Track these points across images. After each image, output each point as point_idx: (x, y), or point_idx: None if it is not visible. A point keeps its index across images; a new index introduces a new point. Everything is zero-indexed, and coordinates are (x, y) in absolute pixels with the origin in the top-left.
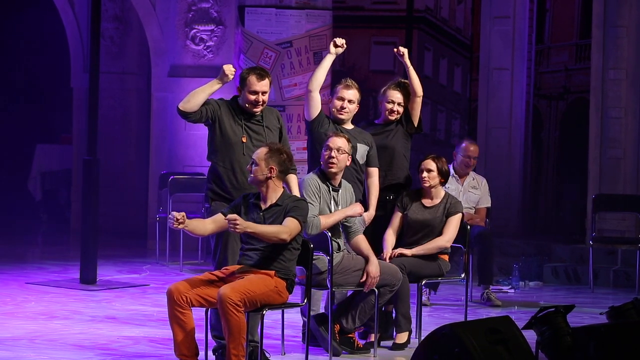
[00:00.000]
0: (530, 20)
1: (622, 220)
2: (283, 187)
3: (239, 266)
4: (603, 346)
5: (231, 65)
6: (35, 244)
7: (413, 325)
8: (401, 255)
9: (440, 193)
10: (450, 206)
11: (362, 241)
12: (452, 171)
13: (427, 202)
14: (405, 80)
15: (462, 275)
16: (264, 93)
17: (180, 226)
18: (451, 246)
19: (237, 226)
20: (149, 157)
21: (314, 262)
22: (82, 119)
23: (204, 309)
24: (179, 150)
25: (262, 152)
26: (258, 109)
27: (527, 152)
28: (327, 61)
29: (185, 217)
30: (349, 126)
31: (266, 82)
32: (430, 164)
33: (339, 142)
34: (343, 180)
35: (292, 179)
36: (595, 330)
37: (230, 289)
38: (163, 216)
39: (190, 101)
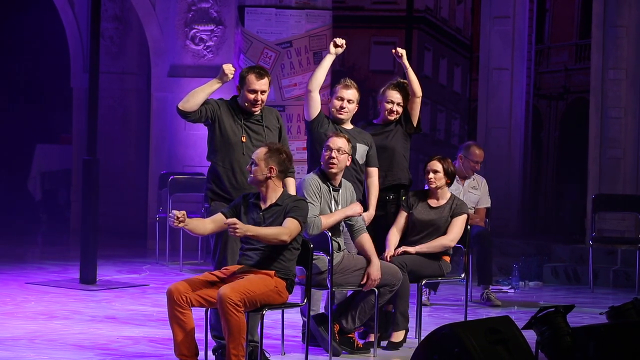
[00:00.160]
0: (530, 20)
1: (622, 220)
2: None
3: (238, 266)
4: (603, 346)
5: (231, 65)
6: (35, 244)
7: (412, 325)
8: (405, 253)
9: (446, 194)
10: (456, 207)
11: (366, 241)
12: None
13: (433, 202)
14: (405, 81)
15: (462, 275)
16: (263, 92)
17: (181, 225)
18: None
19: (237, 230)
20: (148, 157)
21: (314, 262)
22: (82, 119)
23: (204, 309)
24: (179, 150)
25: (261, 152)
26: (257, 108)
27: (527, 152)
28: (327, 61)
29: (185, 215)
30: (349, 126)
31: (265, 81)
32: (437, 165)
33: (339, 142)
34: (343, 180)
35: (290, 182)
36: (595, 330)
37: (230, 289)
38: (163, 216)
39: (190, 101)
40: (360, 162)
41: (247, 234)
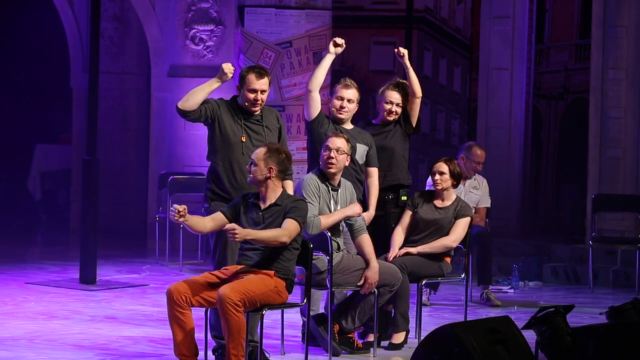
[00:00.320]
0: (529, 20)
1: (622, 220)
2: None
3: (238, 266)
4: (603, 346)
5: (230, 64)
6: (34, 243)
7: (412, 326)
8: (407, 254)
9: (451, 195)
10: (460, 209)
11: (366, 242)
12: None
13: (438, 203)
14: (404, 81)
15: (462, 276)
16: (263, 92)
17: (181, 219)
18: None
19: (236, 236)
20: (148, 157)
21: (313, 262)
22: (82, 118)
23: (204, 309)
24: (179, 150)
25: (260, 152)
26: (257, 108)
27: (526, 152)
28: (327, 61)
29: (186, 210)
30: (349, 126)
31: (265, 80)
32: (443, 167)
33: (338, 142)
34: (342, 179)
35: (289, 185)
36: (594, 330)
37: (229, 289)
38: (163, 216)
39: (190, 100)
40: (360, 162)
41: (246, 238)
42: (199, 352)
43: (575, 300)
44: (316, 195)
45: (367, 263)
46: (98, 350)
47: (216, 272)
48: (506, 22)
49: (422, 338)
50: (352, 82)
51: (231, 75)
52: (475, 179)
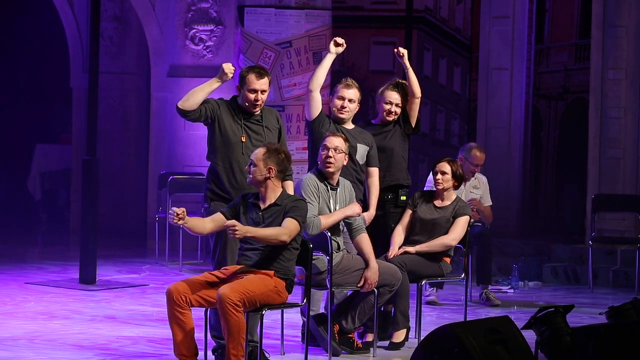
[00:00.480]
0: (529, 20)
1: (622, 220)
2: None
3: (238, 266)
4: (602, 346)
5: (230, 64)
6: (34, 243)
7: (412, 325)
8: (405, 253)
9: (451, 196)
10: (459, 208)
11: (365, 242)
12: None
13: (438, 202)
14: (403, 81)
15: (462, 276)
16: (263, 92)
17: (180, 222)
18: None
19: (236, 232)
20: (148, 157)
21: (313, 262)
22: (82, 118)
23: (204, 309)
24: (179, 150)
25: (260, 152)
26: (257, 108)
27: (526, 152)
28: (328, 61)
29: (185, 212)
30: (350, 126)
31: (265, 80)
32: (445, 167)
33: (336, 141)
34: (341, 178)
35: (289, 185)
36: (594, 330)
37: (229, 289)
38: (162, 216)
39: (190, 99)
40: (361, 162)
41: (246, 235)
42: (199, 352)
43: (575, 300)
44: (315, 195)
45: (366, 263)
46: (98, 350)
47: (216, 272)
48: (506, 22)
49: (422, 338)
50: (354, 82)
51: (231, 75)
52: (475, 178)
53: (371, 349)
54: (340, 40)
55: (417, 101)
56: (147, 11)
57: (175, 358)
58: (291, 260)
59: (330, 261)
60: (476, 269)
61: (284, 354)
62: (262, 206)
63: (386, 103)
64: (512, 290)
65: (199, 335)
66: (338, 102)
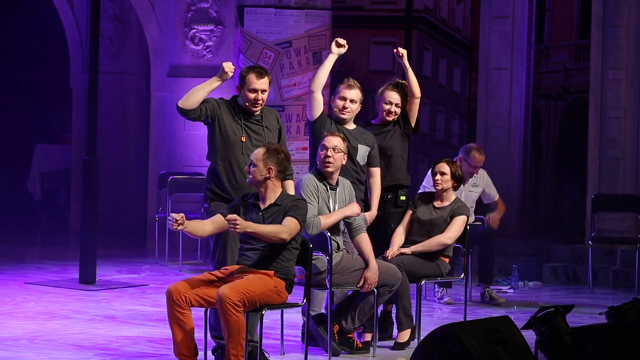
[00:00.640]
0: (529, 20)
1: (622, 220)
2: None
3: (238, 266)
4: (602, 346)
5: (231, 63)
6: (34, 243)
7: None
8: (401, 254)
9: (450, 196)
10: (457, 208)
11: (364, 242)
12: None
13: (437, 203)
14: (403, 81)
15: (462, 275)
16: (263, 91)
17: (180, 227)
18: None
19: (237, 226)
20: (148, 157)
21: (313, 262)
22: (82, 119)
23: (203, 309)
24: (178, 150)
25: (259, 152)
26: (258, 108)
27: (526, 152)
28: (329, 61)
29: (184, 218)
30: (351, 126)
31: (265, 80)
32: (444, 167)
33: (334, 141)
34: (341, 178)
35: (290, 184)
36: (594, 330)
37: (229, 289)
38: (162, 216)
39: (190, 99)
40: (362, 163)
41: (247, 231)
42: (199, 352)
43: (575, 300)
44: (315, 195)
45: (366, 263)
46: (98, 350)
47: (216, 272)
48: (506, 22)
49: (422, 338)
50: (356, 82)
51: (231, 74)
52: (475, 177)
53: (371, 349)
54: (342, 41)
55: (417, 101)
56: (147, 11)
57: (175, 358)
58: (291, 260)
59: (330, 261)
60: (478, 268)
61: (283, 354)
62: (262, 206)
63: (386, 103)
64: (512, 290)
65: (198, 335)
66: (340, 103)
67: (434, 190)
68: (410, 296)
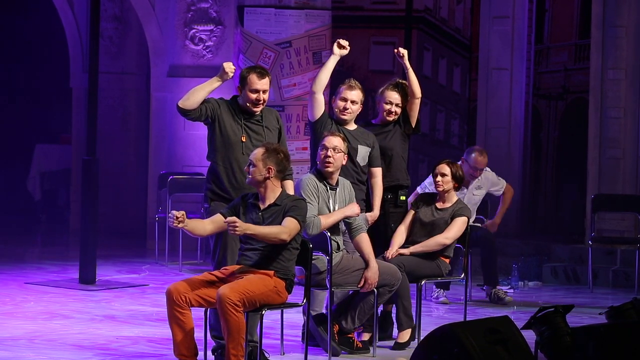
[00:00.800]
0: (529, 20)
1: (622, 220)
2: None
3: (238, 266)
4: (602, 346)
5: (231, 63)
6: (34, 243)
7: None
8: (400, 255)
9: (452, 198)
10: (458, 209)
11: (364, 242)
12: None
13: (439, 204)
14: (404, 81)
15: (462, 275)
16: (264, 92)
17: (180, 225)
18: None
19: (237, 229)
20: (148, 157)
21: (313, 262)
22: (82, 119)
23: (203, 309)
24: (178, 150)
25: (259, 152)
26: (259, 108)
27: (526, 152)
28: (331, 62)
29: (185, 215)
30: (352, 127)
31: (266, 80)
32: (445, 169)
33: (334, 141)
34: (341, 178)
35: (289, 184)
36: (594, 330)
37: (229, 289)
38: (162, 216)
39: (190, 99)
40: (362, 163)
41: (246, 233)
42: (199, 352)
43: (575, 300)
44: (315, 195)
45: (366, 263)
46: (97, 350)
47: (216, 272)
48: (506, 22)
49: (422, 338)
50: (357, 83)
51: (232, 74)
52: (478, 179)
53: (371, 349)
54: (343, 42)
55: (418, 101)
56: (147, 11)
57: (175, 358)
58: (291, 260)
59: (330, 261)
60: (482, 271)
61: (283, 354)
62: (262, 206)
63: (386, 103)
64: (512, 290)
65: (198, 335)
66: (340, 104)
67: (436, 192)
68: (410, 296)
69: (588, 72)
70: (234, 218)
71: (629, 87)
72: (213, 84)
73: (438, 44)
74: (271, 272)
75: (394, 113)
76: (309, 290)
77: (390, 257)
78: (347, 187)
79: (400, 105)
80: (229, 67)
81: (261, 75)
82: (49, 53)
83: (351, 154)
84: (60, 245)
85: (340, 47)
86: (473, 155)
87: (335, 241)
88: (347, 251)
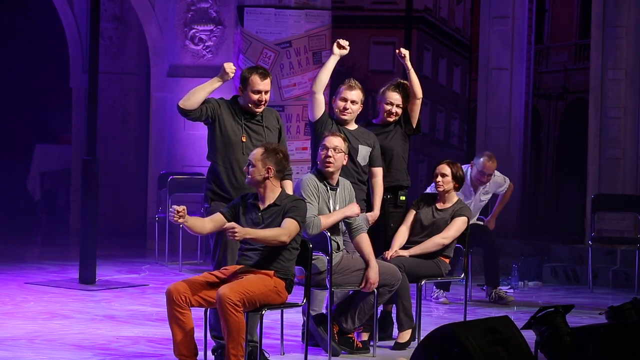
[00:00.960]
0: (529, 20)
1: (621, 220)
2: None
3: (238, 266)
4: (602, 346)
5: (232, 63)
6: (34, 243)
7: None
8: (399, 257)
9: (453, 198)
10: (458, 210)
11: (364, 242)
12: (468, 180)
13: (439, 205)
14: (405, 82)
15: (462, 275)
16: (266, 92)
17: (181, 220)
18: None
19: (236, 234)
20: (148, 157)
21: (313, 262)
22: (82, 119)
23: (203, 309)
24: (178, 150)
25: (258, 152)
26: (260, 109)
27: (526, 152)
28: (331, 62)
29: (186, 211)
30: (352, 127)
31: (268, 81)
32: (445, 169)
33: (335, 141)
34: (341, 178)
35: (288, 184)
36: (594, 330)
37: (229, 289)
38: (162, 216)
39: (191, 99)
40: (362, 163)
41: (246, 237)
42: (199, 352)
43: (575, 300)
44: (315, 195)
45: (366, 263)
46: (97, 350)
47: (216, 272)
48: (506, 22)
49: (422, 338)
50: (357, 83)
51: (232, 74)
52: (486, 185)
53: (371, 349)
54: (343, 42)
55: (418, 102)
56: (147, 11)
57: (175, 358)
58: (291, 260)
59: (330, 261)
60: (484, 271)
61: (283, 354)
62: (262, 206)
63: (387, 103)
64: (511, 290)
65: (198, 335)
66: (341, 104)
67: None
68: (410, 296)
69: (588, 72)
70: (232, 224)
71: (629, 87)
72: (213, 84)
73: (438, 44)
74: (271, 272)
75: (394, 114)
76: (309, 290)
77: (389, 258)
78: (347, 187)
79: (401, 105)
80: (230, 67)
81: (263, 76)
82: (49, 53)
83: (352, 154)
84: (60, 245)
85: (340, 47)
86: (482, 160)
87: (335, 241)
88: (347, 251)
